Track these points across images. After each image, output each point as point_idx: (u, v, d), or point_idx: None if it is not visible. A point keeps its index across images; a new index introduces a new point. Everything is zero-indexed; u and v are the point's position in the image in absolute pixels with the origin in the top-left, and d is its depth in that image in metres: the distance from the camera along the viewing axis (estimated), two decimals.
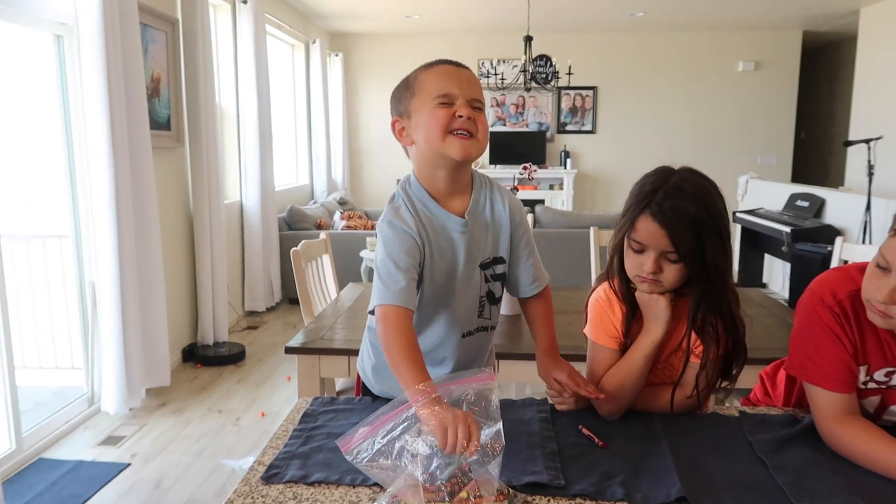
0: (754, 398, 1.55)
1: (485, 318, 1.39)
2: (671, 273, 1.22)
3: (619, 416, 1.30)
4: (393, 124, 1.31)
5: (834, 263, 2.72)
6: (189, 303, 4.21)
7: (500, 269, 1.36)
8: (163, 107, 3.82)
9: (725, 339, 1.27)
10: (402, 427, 0.99)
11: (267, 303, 5.23)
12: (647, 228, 1.21)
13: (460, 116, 1.22)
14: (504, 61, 7.77)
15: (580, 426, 1.26)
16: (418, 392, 1.03)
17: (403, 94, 1.29)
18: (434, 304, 1.33)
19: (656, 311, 1.26)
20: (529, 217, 1.39)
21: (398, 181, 1.37)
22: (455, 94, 1.23)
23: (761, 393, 1.53)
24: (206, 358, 4.04)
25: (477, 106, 1.25)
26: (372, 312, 1.23)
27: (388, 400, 1.41)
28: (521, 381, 2.77)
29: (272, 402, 3.46)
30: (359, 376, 1.53)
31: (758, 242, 5.89)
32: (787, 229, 4.91)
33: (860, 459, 1.12)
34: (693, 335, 1.27)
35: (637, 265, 1.24)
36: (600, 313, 1.33)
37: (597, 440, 1.21)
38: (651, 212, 1.20)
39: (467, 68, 1.29)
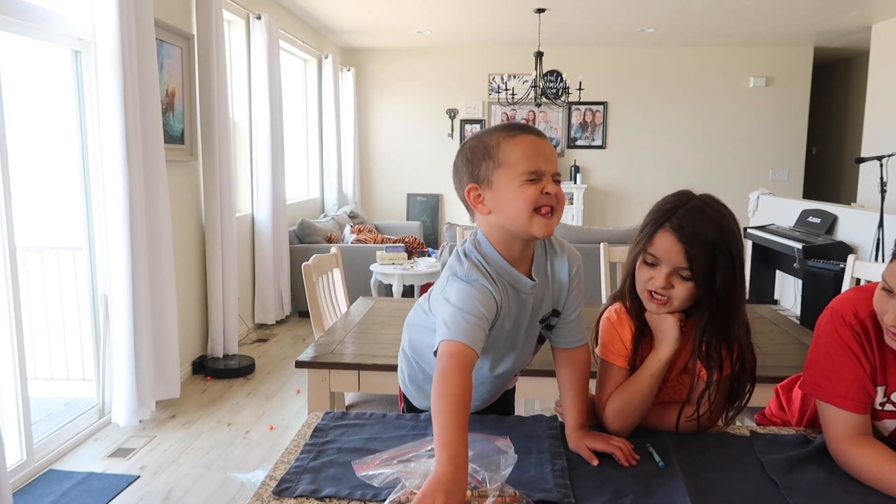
0: (769, 413, 1.55)
1: (530, 359, 1.45)
2: (681, 291, 1.24)
3: (628, 433, 1.30)
4: (468, 191, 1.27)
5: (846, 281, 2.70)
6: (200, 315, 4.23)
7: (554, 320, 1.38)
8: (177, 121, 3.86)
9: (731, 365, 1.29)
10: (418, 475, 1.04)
11: (277, 316, 5.25)
12: (665, 243, 1.23)
13: (547, 193, 1.21)
14: (514, 76, 7.81)
15: None
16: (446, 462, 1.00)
17: (484, 161, 1.24)
18: (497, 357, 1.36)
19: (665, 330, 1.27)
20: None
21: (460, 244, 1.32)
22: (543, 170, 1.22)
23: (776, 407, 1.53)
24: (216, 370, 4.05)
25: (557, 180, 1.24)
26: (435, 353, 1.18)
27: (395, 416, 1.43)
28: (529, 396, 2.76)
29: (281, 415, 3.46)
30: (400, 391, 1.56)
31: (769, 259, 5.86)
32: (799, 246, 4.88)
33: (872, 481, 1.12)
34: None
35: (647, 279, 1.26)
36: (610, 332, 1.35)
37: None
38: (671, 226, 1.22)
39: (545, 137, 1.28)
